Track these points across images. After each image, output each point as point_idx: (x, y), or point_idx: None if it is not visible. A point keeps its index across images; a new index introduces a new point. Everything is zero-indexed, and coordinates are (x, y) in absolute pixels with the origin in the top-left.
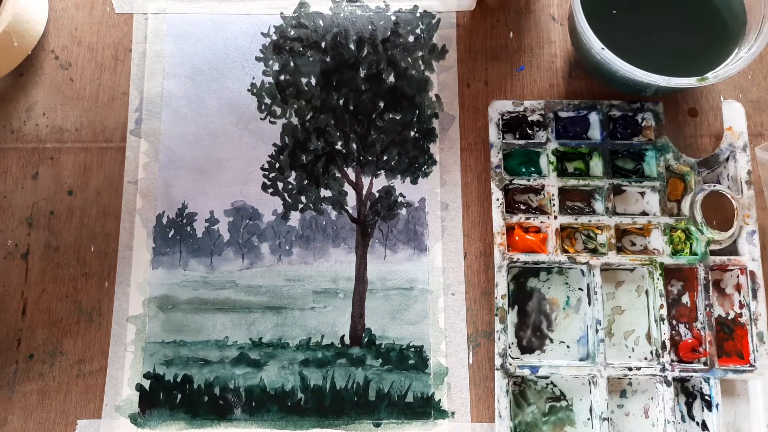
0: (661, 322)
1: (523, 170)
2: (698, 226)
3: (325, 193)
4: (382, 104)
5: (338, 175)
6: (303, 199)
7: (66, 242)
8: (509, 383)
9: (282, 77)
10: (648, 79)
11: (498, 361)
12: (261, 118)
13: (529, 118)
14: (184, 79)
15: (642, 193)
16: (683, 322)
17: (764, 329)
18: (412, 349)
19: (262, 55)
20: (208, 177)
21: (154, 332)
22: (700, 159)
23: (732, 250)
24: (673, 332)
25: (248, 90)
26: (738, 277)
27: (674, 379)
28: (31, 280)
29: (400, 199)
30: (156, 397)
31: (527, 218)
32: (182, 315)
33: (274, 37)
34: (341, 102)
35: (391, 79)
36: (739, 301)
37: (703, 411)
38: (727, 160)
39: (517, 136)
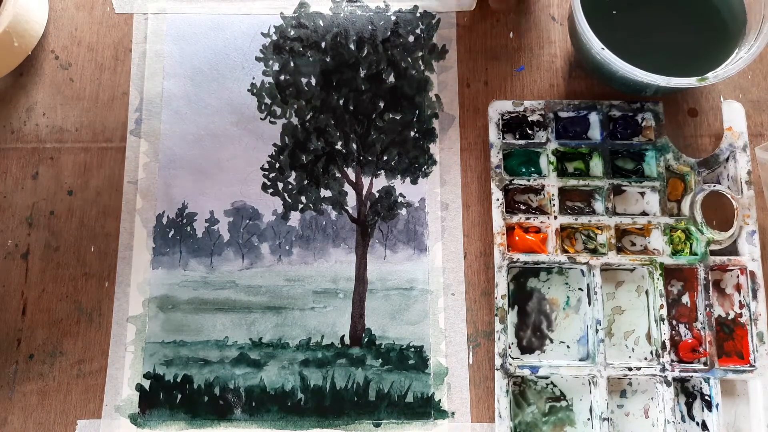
0: (661, 322)
1: (523, 170)
2: (698, 226)
3: (325, 193)
4: (382, 104)
5: (338, 175)
6: (303, 199)
7: (66, 242)
8: (509, 383)
9: (282, 77)
10: (648, 79)
11: (498, 361)
12: (261, 118)
13: (529, 118)
14: (184, 79)
15: (642, 193)
16: (683, 322)
17: (764, 329)
18: (412, 349)
19: (262, 55)
20: (208, 177)
21: (154, 332)
22: (700, 159)
23: (732, 250)
24: (673, 332)
25: (248, 90)
26: (738, 277)
27: (674, 379)
28: (31, 280)
29: (400, 199)
30: (156, 397)
31: (527, 218)
32: (182, 315)
33: (274, 37)
34: (341, 102)
35: (391, 79)
36: (739, 301)
37: (703, 411)
38: (727, 160)
39: (517, 136)
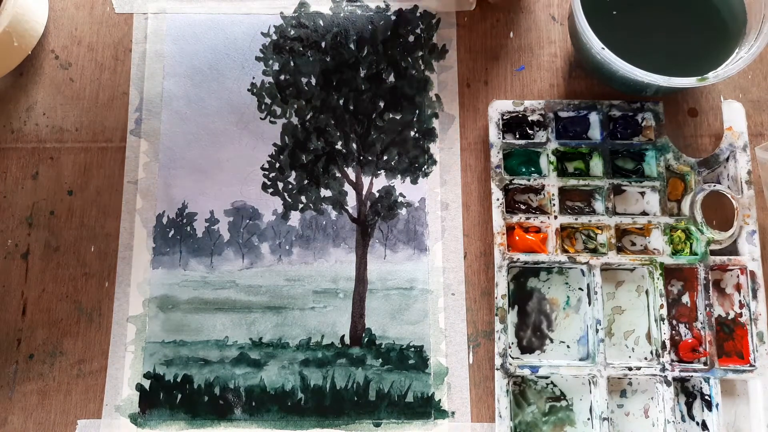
0: (661, 322)
1: (523, 170)
2: (698, 226)
3: (325, 193)
4: (382, 104)
5: (338, 175)
6: (303, 199)
7: (66, 242)
8: (509, 383)
9: (282, 77)
10: (648, 79)
11: (498, 361)
12: (261, 118)
13: (529, 118)
14: (184, 79)
15: (642, 193)
16: (683, 322)
17: (764, 329)
18: (412, 349)
19: (262, 55)
20: (208, 177)
21: (154, 332)
22: (700, 159)
23: (732, 250)
24: (673, 332)
25: (248, 90)
26: (738, 277)
27: (674, 379)
28: (31, 280)
29: (400, 199)
30: (156, 397)
31: (527, 218)
32: (182, 315)
33: (274, 37)
34: (341, 102)
35: (391, 79)
36: (739, 301)
37: (703, 411)
38: (727, 160)
39: (517, 136)
